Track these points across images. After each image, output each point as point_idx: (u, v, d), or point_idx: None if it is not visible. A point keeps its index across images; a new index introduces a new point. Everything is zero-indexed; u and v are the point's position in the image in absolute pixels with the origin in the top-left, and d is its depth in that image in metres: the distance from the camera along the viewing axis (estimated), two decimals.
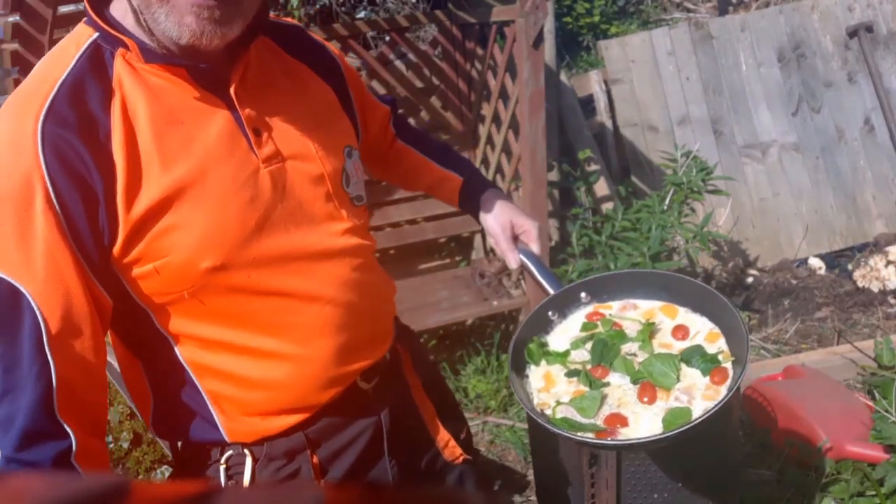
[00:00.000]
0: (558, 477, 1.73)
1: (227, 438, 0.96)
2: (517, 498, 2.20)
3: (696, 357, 1.06)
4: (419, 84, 3.00)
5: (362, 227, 1.02)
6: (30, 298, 0.77)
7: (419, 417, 1.17)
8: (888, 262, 3.24)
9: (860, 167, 3.67)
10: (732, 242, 3.52)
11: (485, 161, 3.08)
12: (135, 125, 0.82)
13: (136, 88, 0.82)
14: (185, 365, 0.92)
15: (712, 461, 1.64)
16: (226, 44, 0.83)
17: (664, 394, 1.03)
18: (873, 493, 1.87)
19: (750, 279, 3.41)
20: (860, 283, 3.24)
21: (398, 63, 3.23)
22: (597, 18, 4.27)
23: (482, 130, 3.00)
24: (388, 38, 3.39)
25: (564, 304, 1.18)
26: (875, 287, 3.20)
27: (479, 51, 2.90)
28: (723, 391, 1.01)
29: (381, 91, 2.98)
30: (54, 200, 0.77)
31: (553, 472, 1.75)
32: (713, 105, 3.64)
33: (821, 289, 3.27)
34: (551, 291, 1.13)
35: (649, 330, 1.12)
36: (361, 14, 4.41)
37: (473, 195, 1.23)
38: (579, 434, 0.98)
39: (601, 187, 3.40)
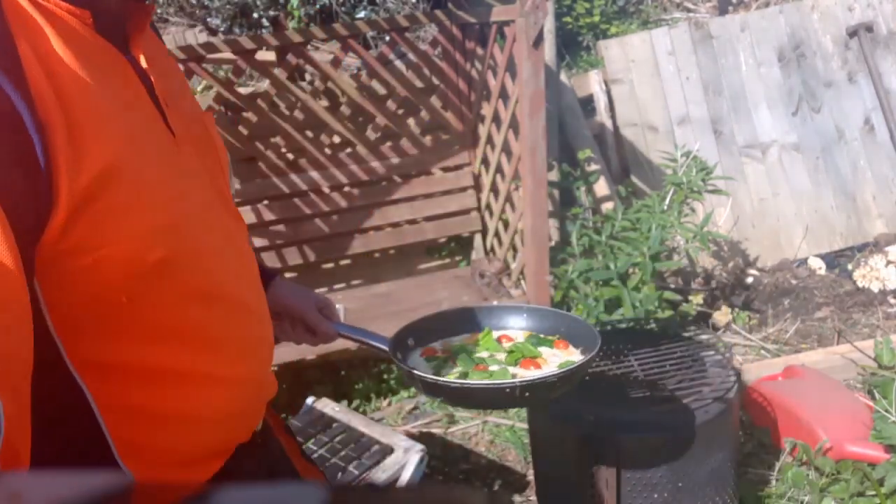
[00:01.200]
0: (558, 477, 1.73)
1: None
2: (517, 498, 2.20)
3: (535, 340, 1.12)
4: (419, 84, 3.00)
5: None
6: None
7: (286, 455, 1.01)
8: (888, 262, 3.24)
9: (860, 167, 3.67)
10: (732, 242, 3.52)
11: (485, 161, 3.08)
12: (49, 63, 0.60)
13: (38, 15, 0.61)
14: (92, 405, 0.67)
15: (712, 461, 1.64)
16: None
17: (542, 361, 1.07)
18: (873, 493, 1.87)
19: (750, 279, 3.41)
20: (860, 283, 3.24)
21: (398, 63, 3.23)
22: (597, 18, 4.27)
23: (482, 130, 3.00)
24: (388, 38, 3.39)
25: (401, 350, 1.12)
26: (875, 287, 3.20)
27: (479, 51, 2.90)
28: (578, 351, 1.09)
29: (382, 92, 2.99)
30: None
31: (553, 472, 1.75)
32: (713, 105, 3.64)
33: (821, 289, 3.27)
34: (385, 347, 1.07)
35: (490, 339, 1.14)
36: (361, 14, 4.42)
37: (264, 279, 0.95)
38: (509, 381, 0.97)
39: (601, 187, 3.40)
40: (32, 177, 0.56)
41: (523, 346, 1.09)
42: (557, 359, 1.07)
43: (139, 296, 0.66)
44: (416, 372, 0.99)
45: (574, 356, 1.07)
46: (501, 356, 1.08)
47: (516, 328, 1.17)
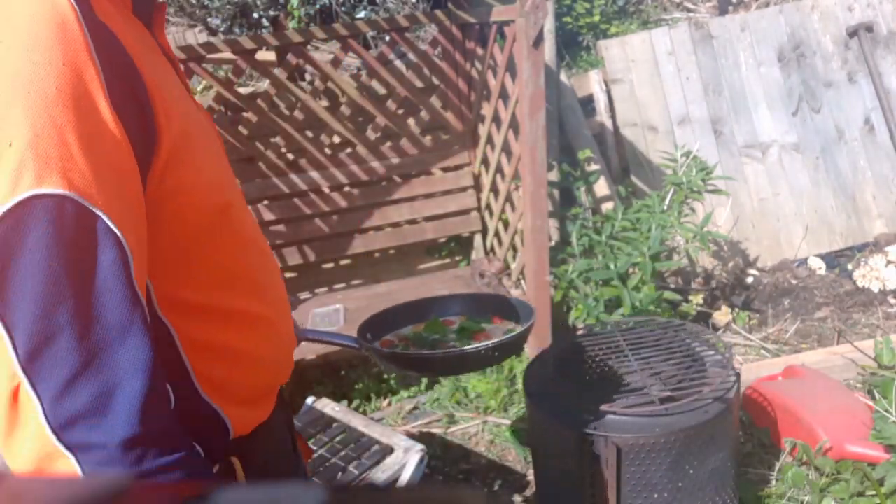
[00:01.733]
0: (558, 477, 1.73)
1: (233, 435, 0.79)
2: (517, 498, 2.20)
3: (475, 319, 1.28)
4: (419, 84, 3.00)
5: None
6: (110, 224, 0.59)
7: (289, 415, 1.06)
8: (888, 262, 3.24)
9: (860, 167, 3.67)
10: (732, 242, 3.52)
11: (485, 161, 3.08)
12: (126, 36, 0.66)
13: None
14: (177, 343, 0.73)
15: (712, 461, 1.64)
16: None
17: (488, 334, 1.22)
18: (873, 493, 1.87)
19: (750, 279, 3.41)
20: (860, 283, 3.24)
21: (398, 63, 3.23)
22: (597, 18, 4.27)
23: (482, 130, 3.00)
24: (388, 38, 3.39)
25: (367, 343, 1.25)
26: (875, 287, 3.20)
27: (479, 51, 2.90)
28: (512, 323, 1.25)
29: (382, 91, 2.99)
30: (110, 101, 0.60)
31: (553, 472, 1.75)
32: (713, 105, 3.64)
33: (821, 289, 3.27)
34: (354, 344, 1.18)
35: (437, 324, 1.29)
36: (361, 14, 4.42)
37: None
38: (483, 344, 1.10)
39: (601, 187, 3.40)
40: (144, 115, 0.64)
41: (468, 324, 1.24)
42: (499, 330, 1.22)
43: (208, 238, 0.73)
44: (409, 352, 1.16)
45: (511, 326, 1.23)
46: (452, 336, 1.23)
47: (453, 314, 1.31)
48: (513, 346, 1.14)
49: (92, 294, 0.58)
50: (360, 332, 1.21)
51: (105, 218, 0.58)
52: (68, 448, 0.58)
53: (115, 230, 0.59)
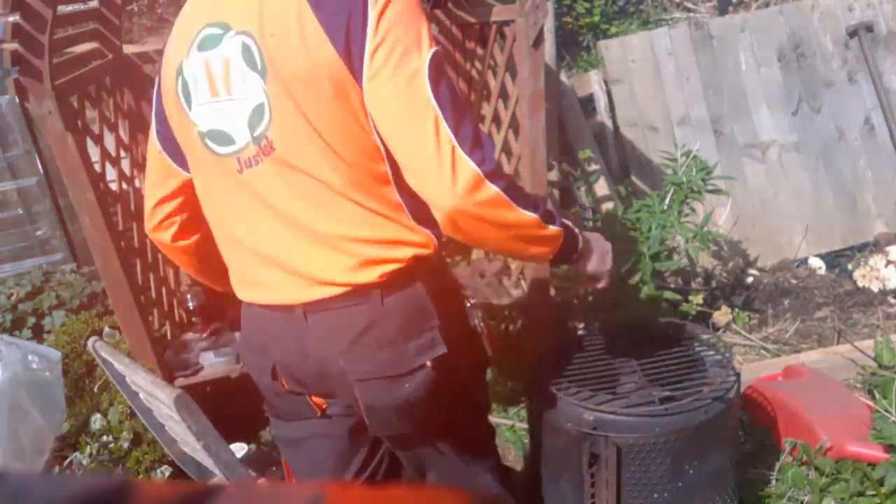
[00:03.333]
0: (558, 477, 1.73)
1: None
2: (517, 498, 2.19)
3: None
4: None
5: None
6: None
7: None
8: (888, 262, 3.24)
9: (860, 167, 3.67)
10: (732, 242, 3.52)
11: None
12: None
13: None
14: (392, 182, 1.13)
15: (712, 461, 1.64)
16: None
17: None
18: (873, 493, 1.87)
19: (750, 279, 3.41)
20: (860, 283, 3.24)
21: None
22: (597, 18, 4.27)
23: (482, 130, 2.99)
24: None
25: None
26: (875, 287, 3.20)
27: (479, 51, 2.90)
28: None
29: None
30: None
31: (553, 472, 1.75)
32: (713, 105, 3.64)
33: (821, 289, 3.27)
34: None
35: None
36: None
37: None
38: None
39: (601, 187, 3.40)
40: None
41: None
42: None
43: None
44: None
45: None
46: None
47: None
48: None
49: (460, 96, 1.09)
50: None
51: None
52: (486, 176, 1.03)
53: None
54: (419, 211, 1.11)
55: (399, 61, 0.99)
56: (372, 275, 1.10)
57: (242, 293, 1.24)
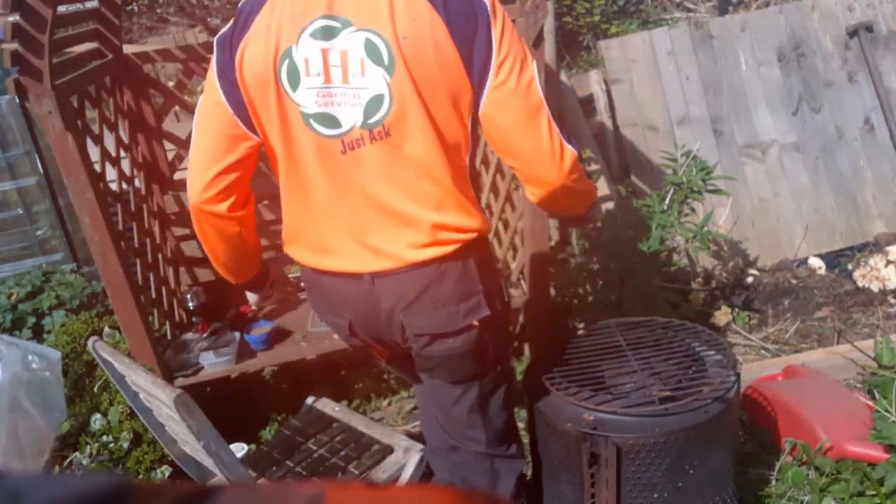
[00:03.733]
0: (558, 476, 1.73)
1: None
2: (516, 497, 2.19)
3: None
4: None
5: None
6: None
7: None
8: (888, 262, 3.24)
9: (860, 167, 3.67)
10: (732, 242, 3.52)
11: (485, 161, 3.08)
12: None
13: None
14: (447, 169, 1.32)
15: (712, 461, 1.64)
16: None
17: None
18: (873, 493, 1.87)
19: (750, 279, 3.40)
20: (860, 283, 3.24)
21: None
22: (597, 18, 4.27)
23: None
24: None
25: None
26: (875, 287, 3.20)
27: None
28: None
29: None
30: None
31: (553, 472, 1.75)
32: (713, 105, 3.64)
33: (821, 289, 3.27)
34: None
35: None
36: None
37: None
38: None
39: (601, 187, 3.40)
40: None
41: None
42: None
43: None
44: None
45: None
46: None
47: None
48: None
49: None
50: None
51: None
52: (578, 158, 1.30)
53: None
54: (477, 198, 1.35)
55: (520, 72, 1.22)
56: (436, 252, 1.30)
57: (312, 258, 1.38)
